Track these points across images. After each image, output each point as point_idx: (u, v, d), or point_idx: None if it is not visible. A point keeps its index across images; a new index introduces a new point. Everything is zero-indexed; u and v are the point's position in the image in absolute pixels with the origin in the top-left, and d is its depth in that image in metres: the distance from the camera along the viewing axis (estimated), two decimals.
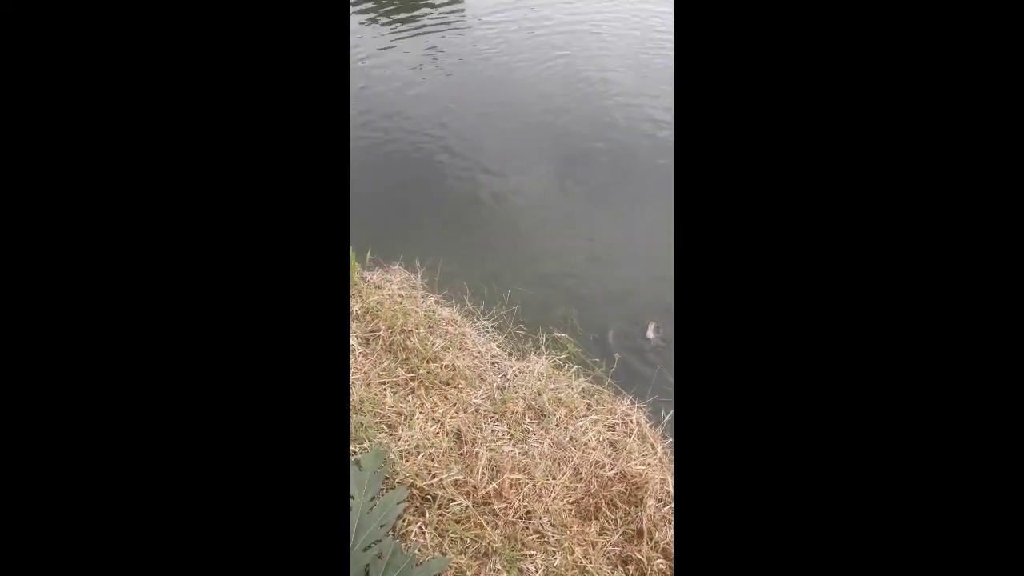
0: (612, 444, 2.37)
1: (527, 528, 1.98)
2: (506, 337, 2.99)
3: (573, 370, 2.77)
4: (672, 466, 2.37)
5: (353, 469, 1.83)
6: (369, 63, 5.87)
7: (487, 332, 2.94)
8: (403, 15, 6.79)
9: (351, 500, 1.74)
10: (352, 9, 6.82)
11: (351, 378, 2.40)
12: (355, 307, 2.79)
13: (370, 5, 7.02)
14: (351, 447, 2.08)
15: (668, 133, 4.99)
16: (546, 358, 2.81)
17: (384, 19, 6.73)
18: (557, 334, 3.08)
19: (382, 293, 2.97)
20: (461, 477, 2.05)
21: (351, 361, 2.51)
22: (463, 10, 7.03)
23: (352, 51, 6.00)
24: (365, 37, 6.36)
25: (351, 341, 2.61)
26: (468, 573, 1.83)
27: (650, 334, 3.15)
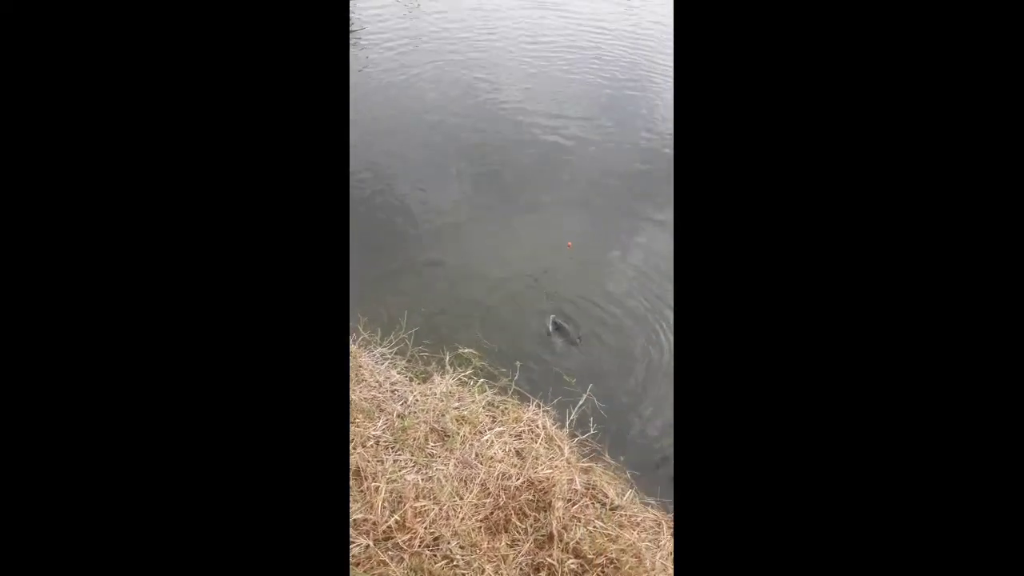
0: (518, 453, 2.37)
1: (435, 556, 1.93)
2: (409, 360, 2.93)
3: (478, 384, 2.76)
4: (579, 464, 2.41)
5: None
6: None
7: (387, 359, 2.86)
8: None
9: None
10: None
11: None
12: None
13: None
14: None
15: (551, 138, 5.15)
16: (451, 377, 2.78)
17: None
18: (463, 350, 3.06)
19: None
20: (360, 515, 1.96)
21: None
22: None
23: None
24: None
25: None
26: None
27: (550, 327, 3.19)
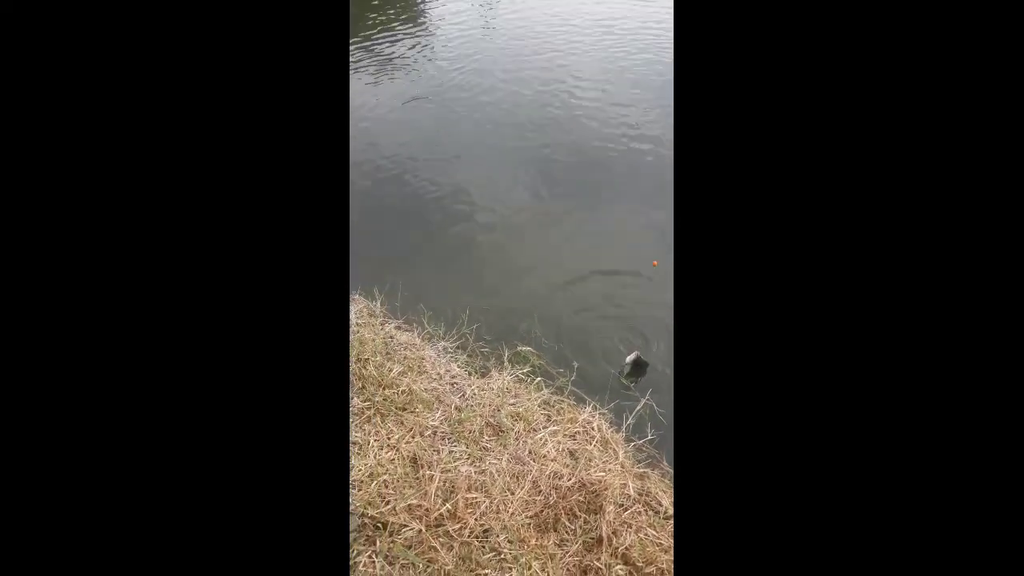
0: (572, 453, 2.37)
1: (483, 547, 1.97)
2: (469, 355, 3.00)
3: (535, 382, 2.77)
4: (634, 469, 2.37)
5: None
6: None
7: (448, 352, 2.95)
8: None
9: None
10: None
11: None
12: None
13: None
14: None
15: (639, 143, 5.05)
16: (508, 373, 2.81)
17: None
18: (521, 347, 3.08)
19: None
20: (415, 501, 2.05)
21: None
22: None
23: None
24: None
25: None
26: None
27: (629, 358, 3.00)
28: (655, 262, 3.73)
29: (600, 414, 2.59)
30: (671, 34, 6.62)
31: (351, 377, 2.60)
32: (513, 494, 2.15)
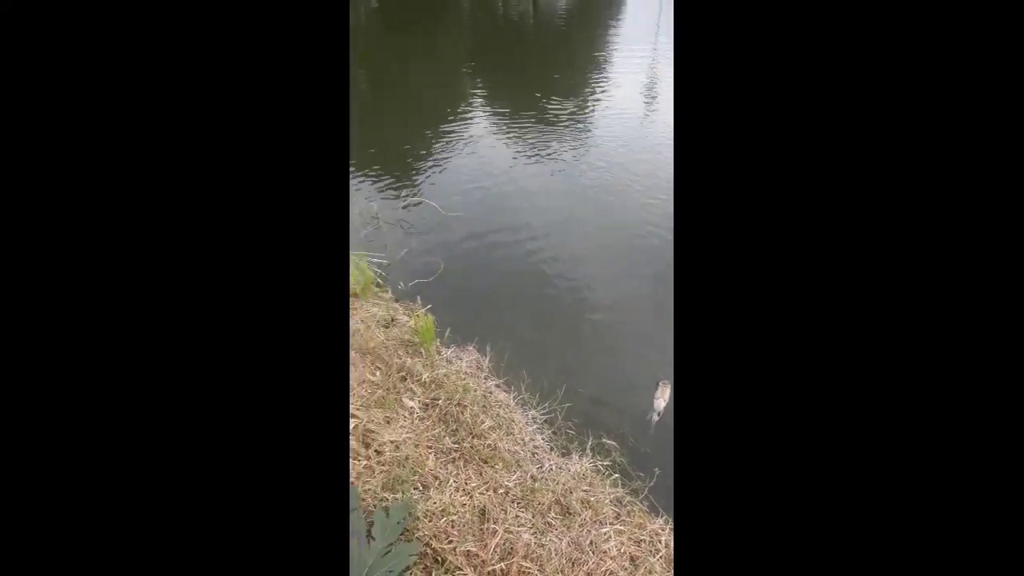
0: (633, 559, 2.33)
1: None
2: (554, 431, 3.11)
3: (612, 478, 2.79)
4: None
5: (380, 515, 2.04)
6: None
7: (536, 423, 3.09)
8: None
9: (371, 542, 1.94)
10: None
11: (403, 436, 2.67)
12: (425, 375, 3.13)
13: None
14: (386, 495, 2.31)
15: None
16: (588, 461, 2.87)
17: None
18: (606, 440, 3.12)
19: (450, 368, 3.30)
20: (474, 549, 2.15)
21: (408, 421, 2.80)
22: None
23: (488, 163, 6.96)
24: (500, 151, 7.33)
25: (413, 403, 2.91)
26: None
27: (658, 400, 3.10)
28: None
29: (671, 530, 2.52)
30: None
31: (448, 418, 2.84)
32: None
